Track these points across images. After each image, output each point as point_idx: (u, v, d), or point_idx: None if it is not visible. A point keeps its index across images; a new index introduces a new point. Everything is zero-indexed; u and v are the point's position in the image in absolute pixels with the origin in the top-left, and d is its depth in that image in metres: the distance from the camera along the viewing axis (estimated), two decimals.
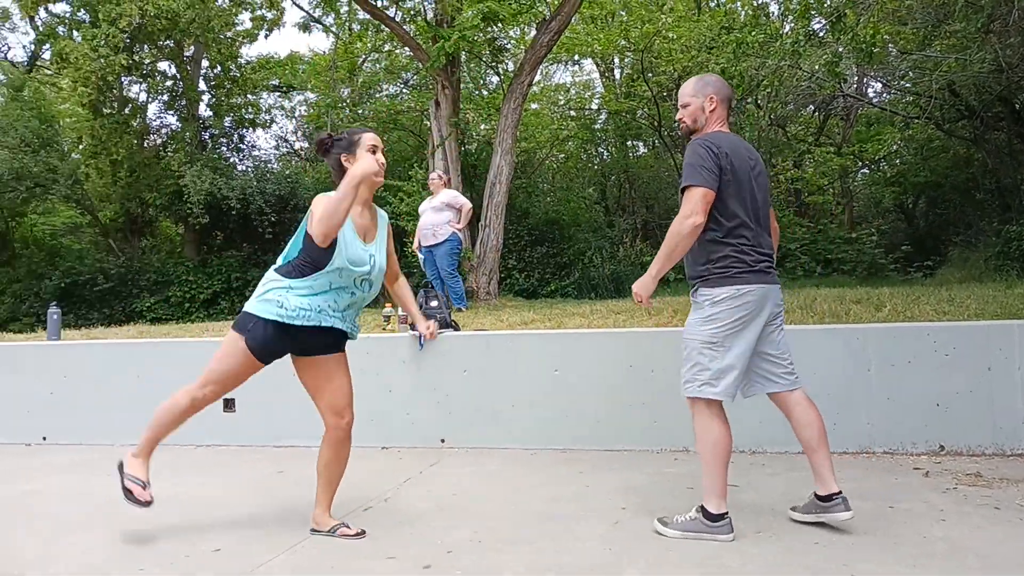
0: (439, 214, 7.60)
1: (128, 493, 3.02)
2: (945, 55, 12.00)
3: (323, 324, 2.96)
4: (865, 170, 18.75)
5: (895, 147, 16.83)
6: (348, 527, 3.15)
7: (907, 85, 14.93)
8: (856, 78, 16.44)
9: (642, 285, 3.02)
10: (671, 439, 4.50)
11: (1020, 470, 3.80)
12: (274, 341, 2.95)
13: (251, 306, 2.96)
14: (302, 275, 2.92)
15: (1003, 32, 10.38)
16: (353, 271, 2.94)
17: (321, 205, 2.79)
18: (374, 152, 2.98)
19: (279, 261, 3.03)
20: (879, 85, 16.97)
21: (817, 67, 12.25)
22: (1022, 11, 8.74)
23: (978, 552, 2.69)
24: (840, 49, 9.62)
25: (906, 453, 4.22)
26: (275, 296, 2.92)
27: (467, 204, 7.80)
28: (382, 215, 3.19)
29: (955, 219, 15.71)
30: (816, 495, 3.00)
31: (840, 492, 2.95)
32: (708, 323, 2.89)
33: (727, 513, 2.91)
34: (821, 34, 10.69)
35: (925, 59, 12.48)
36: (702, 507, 2.94)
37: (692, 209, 2.80)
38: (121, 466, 3.11)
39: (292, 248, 2.99)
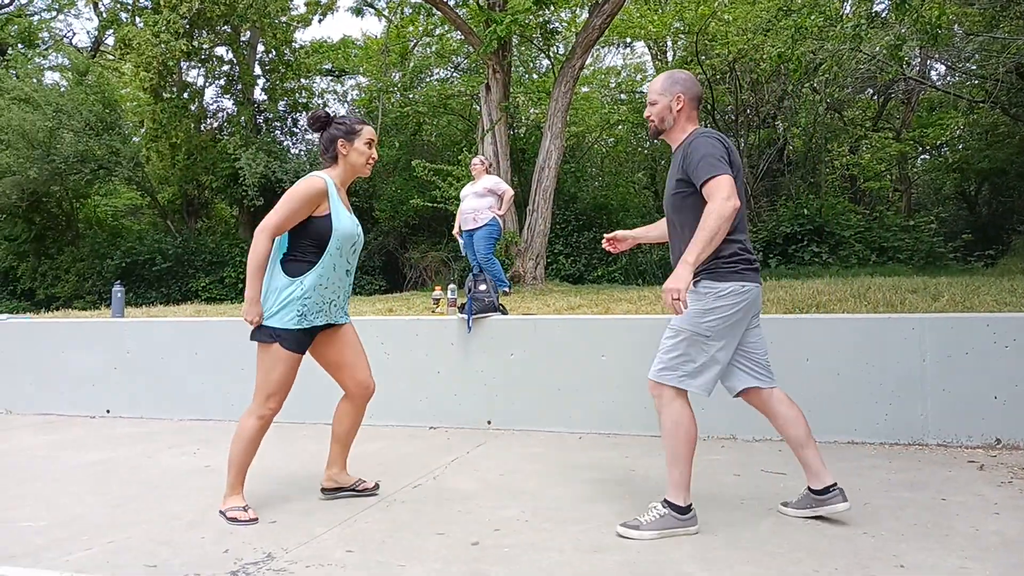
0: (481, 199, 7.64)
1: (234, 521, 3.09)
2: (1013, 37, 11.54)
3: (333, 321, 3.24)
4: (925, 156, 18.21)
5: (958, 132, 16.30)
6: (366, 481, 3.51)
7: (972, 68, 14.41)
8: (919, 60, 15.93)
9: (680, 278, 2.64)
10: (717, 427, 4.49)
11: None
12: (305, 336, 3.15)
13: (273, 320, 3.06)
14: (310, 266, 3.09)
15: None
16: (345, 244, 3.17)
17: (297, 195, 3.04)
18: (370, 147, 3.24)
19: (274, 253, 3.12)
20: (943, 68, 16.43)
21: (879, 49, 11.91)
22: None
23: None
24: (903, 31, 9.32)
25: (961, 446, 4.14)
26: (295, 308, 3.06)
27: (509, 190, 7.82)
28: None
29: (1020, 207, 15.20)
30: (811, 489, 2.97)
31: (836, 483, 2.93)
32: (708, 315, 2.85)
33: (692, 504, 2.90)
34: (883, 15, 10.38)
35: (992, 41, 12.03)
36: (668, 502, 2.87)
37: (729, 193, 2.73)
38: (221, 513, 3.16)
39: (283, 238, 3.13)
